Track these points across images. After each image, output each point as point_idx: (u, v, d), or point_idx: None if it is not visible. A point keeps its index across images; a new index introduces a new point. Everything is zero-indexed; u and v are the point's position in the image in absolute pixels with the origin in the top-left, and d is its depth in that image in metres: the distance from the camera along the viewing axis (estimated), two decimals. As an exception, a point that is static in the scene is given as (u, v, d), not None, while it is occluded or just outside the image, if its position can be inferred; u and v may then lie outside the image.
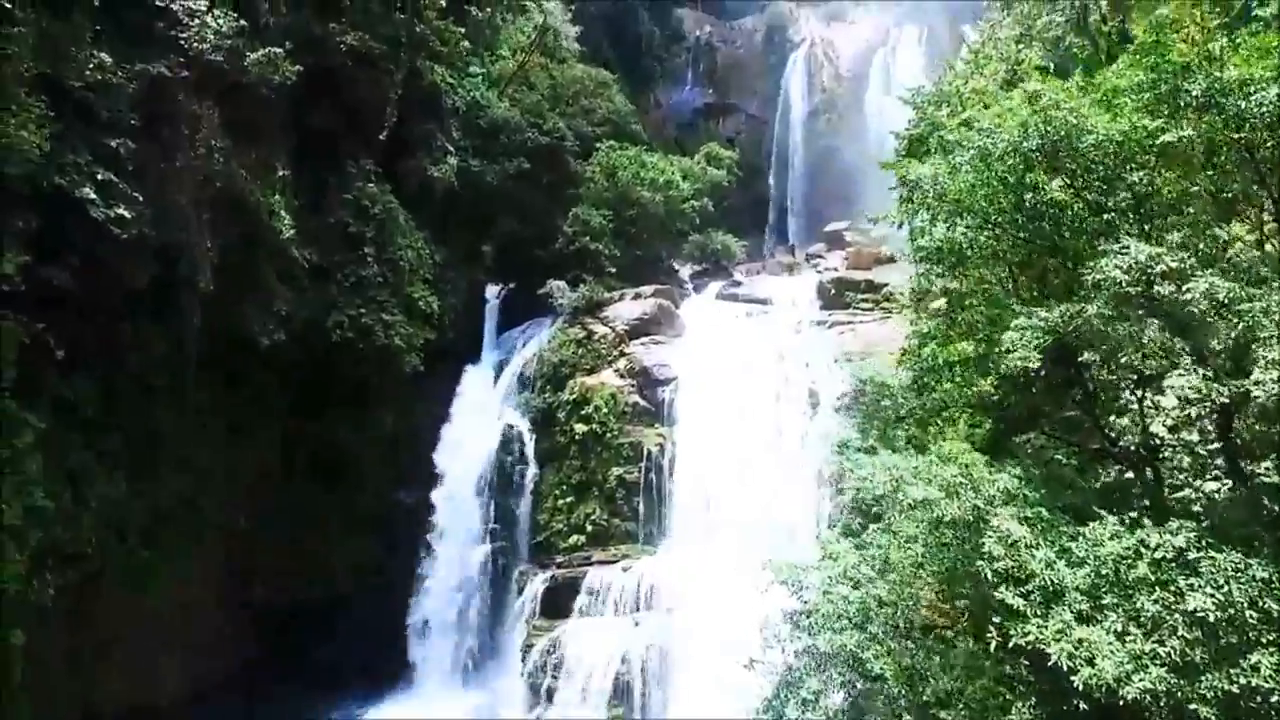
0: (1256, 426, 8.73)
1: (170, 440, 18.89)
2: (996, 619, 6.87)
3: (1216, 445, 10.17)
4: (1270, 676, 5.70)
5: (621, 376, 26.21)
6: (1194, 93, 7.20)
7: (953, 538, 7.37)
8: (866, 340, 27.38)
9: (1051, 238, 8.83)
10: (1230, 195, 7.77)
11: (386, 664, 24.37)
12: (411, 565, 25.91)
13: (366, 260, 21.92)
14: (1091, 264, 8.30)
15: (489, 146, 29.19)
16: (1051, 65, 16.93)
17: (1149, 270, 6.72)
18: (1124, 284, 6.88)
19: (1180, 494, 10.18)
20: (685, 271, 38.57)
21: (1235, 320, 6.37)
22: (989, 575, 6.94)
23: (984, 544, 6.99)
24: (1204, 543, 6.30)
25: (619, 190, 31.73)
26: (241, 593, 21.70)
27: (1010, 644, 6.49)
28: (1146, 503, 9.99)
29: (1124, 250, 6.95)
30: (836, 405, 24.60)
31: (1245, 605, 5.91)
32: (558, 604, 23.24)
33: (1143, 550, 6.40)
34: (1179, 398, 10.37)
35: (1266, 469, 7.84)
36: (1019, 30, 17.67)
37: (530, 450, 26.71)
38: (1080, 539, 6.80)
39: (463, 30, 25.44)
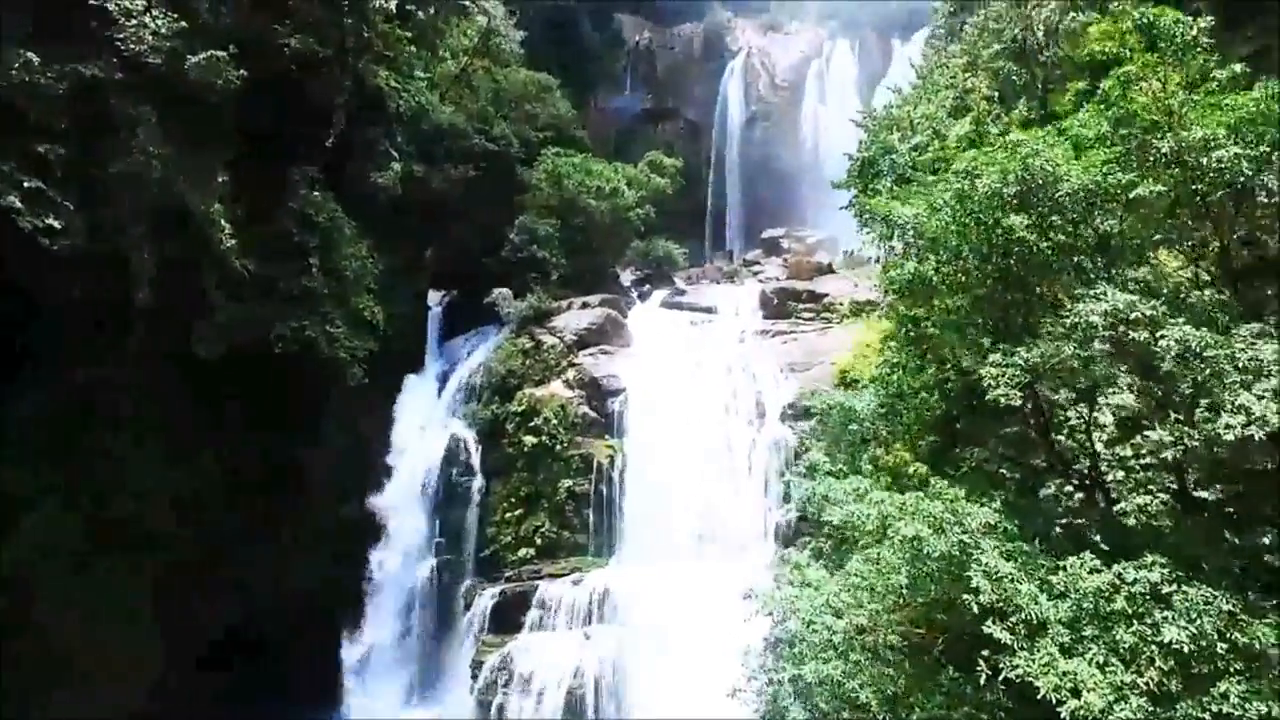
0: (1199, 450, 9.27)
1: (109, 459, 17.93)
2: (985, 651, 7.17)
3: (1152, 460, 10.87)
4: (1238, 704, 6.14)
5: (571, 388, 26.16)
6: (1163, 150, 7.70)
7: (937, 569, 7.66)
8: (810, 351, 28.07)
9: (1017, 273, 9.27)
10: (1191, 242, 8.34)
11: (333, 682, 23.75)
12: (357, 581, 25.32)
13: (311, 271, 21.23)
14: (1063, 302, 8.75)
15: (434, 152, 28.69)
16: (996, 94, 17.77)
17: (1125, 316, 7.15)
18: (1099, 328, 7.30)
19: (1119, 505, 10.83)
20: (626, 278, 38.78)
21: (1203, 366, 6.84)
22: (975, 608, 7.25)
23: (970, 577, 7.30)
24: (1175, 576, 6.74)
25: (565, 198, 31.61)
26: (185, 615, 20.75)
27: (1000, 677, 6.80)
28: (1094, 518, 10.63)
29: (1100, 296, 7.38)
30: (783, 415, 25.27)
31: (1216, 637, 6.35)
32: (507, 618, 23.05)
33: (1120, 585, 6.81)
34: (1114, 414, 11.04)
35: (1219, 496, 8.38)
36: (965, 59, 18.43)
37: (477, 462, 26.42)
38: (1061, 572, 7.18)
39: (410, 35, 24.91)
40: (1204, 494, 9.60)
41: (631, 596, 22.47)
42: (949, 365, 10.66)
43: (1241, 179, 7.48)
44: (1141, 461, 11.03)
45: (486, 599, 23.73)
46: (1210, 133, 7.41)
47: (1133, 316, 7.11)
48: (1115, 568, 6.98)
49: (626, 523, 24.10)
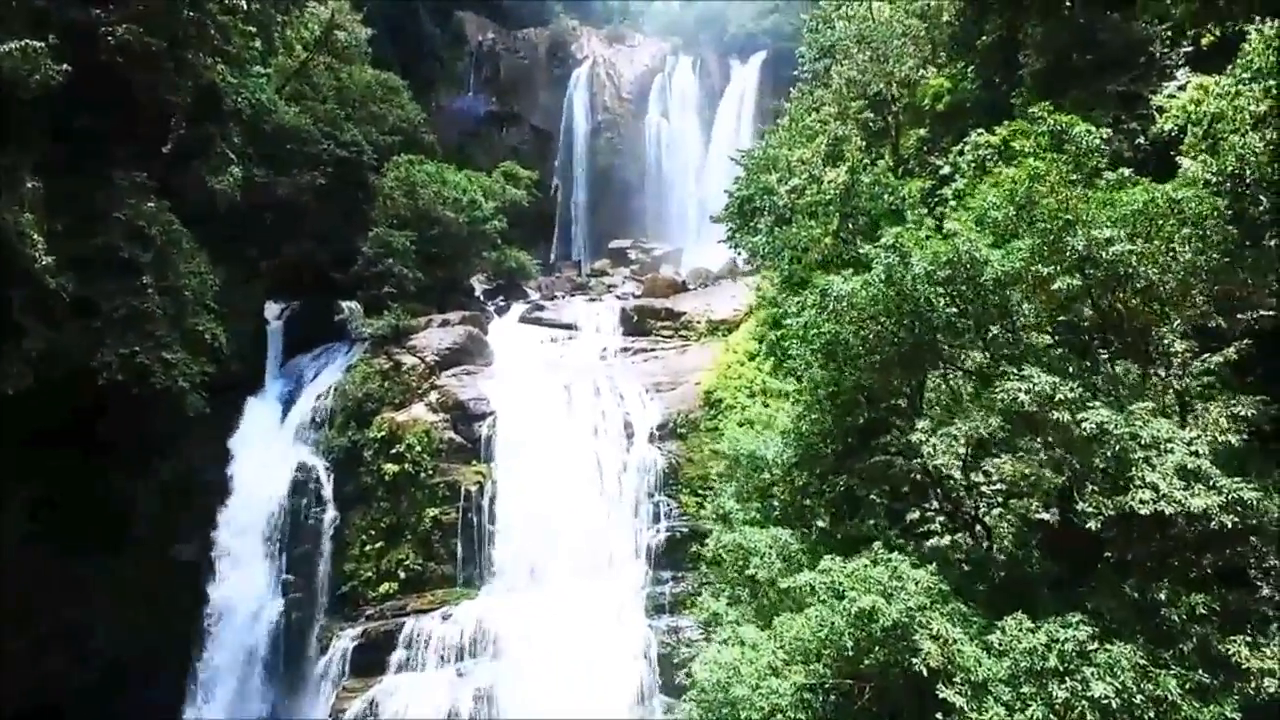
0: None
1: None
2: (924, 707, 7.63)
3: (998, 485, 12.07)
4: (1154, 749, 6.95)
5: (434, 411, 25.05)
6: (1077, 247, 8.57)
7: (883, 633, 8.04)
8: (672, 370, 28.66)
9: (929, 339, 9.95)
10: (1085, 323, 9.34)
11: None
12: (191, 630, 22.85)
13: (144, 290, 18.82)
14: (965, 362, 9.47)
15: (277, 156, 26.41)
16: (865, 143, 18.98)
17: (1050, 397, 7.88)
18: (1025, 405, 8.00)
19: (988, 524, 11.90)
20: (477, 287, 37.76)
21: (1114, 443, 7.68)
22: (923, 671, 7.70)
23: (917, 642, 7.74)
24: (1097, 633, 7.51)
25: (420, 209, 30.23)
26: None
27: (956, 740, 7.26)
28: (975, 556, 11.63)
29: (1027, 376, 8.10)
30: (651, 436, 25.60)
31: (1134, 690, 7.15)
32: (371, 660, 21.74)
33: (1052, 644, 7.49)
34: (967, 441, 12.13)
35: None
36: (836, 109, 19.57)
37: (329, 492, 24.70)
38: (999, 632, 7.78)
39: (254, 29, 22.75)
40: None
41: (505, 628, 21.91)
42: (856, 417, 11.28)
43: (1129, 270, 8.50)
44: (994, 486, 12.21)
45: (346, 640, 22.25)
46: (1114, 233, 8.35)
47: (1057, 398, 7.84)
48: (1045, 627, 7.66)
49: (497, 551, 23.41)
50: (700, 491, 24.22)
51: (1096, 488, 7.89)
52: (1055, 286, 8.60)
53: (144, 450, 21.20)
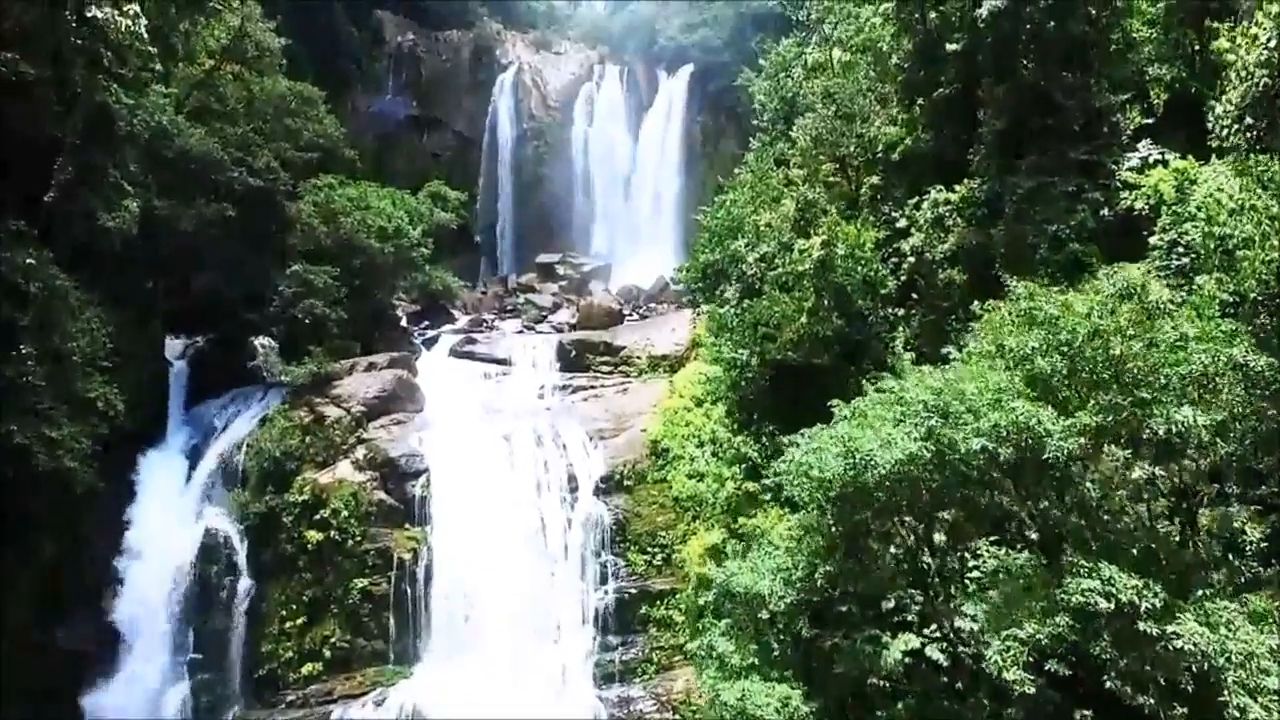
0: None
1: None
2: None
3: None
4: None
5: (362, 469, 22.98)
6: (1158, 431, 7.78)
7: None
8: (616, 412, 27.29)
9: (961, 490, 9.06)
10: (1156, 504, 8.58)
11: None
12: (79, 725, 20.21)
13: (21, 358, 16.20)
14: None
15: (180, 184, 23.61)
16: (834, 209, 18.12)
17: (1136, 608, 7.04)
18: (1100, 608, 7.15)
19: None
20: (401, 315, 35.48)
21: (1203, 660, 6.91)
22: None
23: None
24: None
25: (341, 238, 27.85)
26: None
27: None
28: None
29: (1102, 576, 7.23)
30: (596, 490, 24.20)
31: None
32: (295, 755, 19.73)
33: None
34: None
35: None
36: (805, 171, 18.65)
37: (243, 561, 22.35)
38: None
39: (154, 50, 20.10)
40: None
41: (444, 710, 20.21)
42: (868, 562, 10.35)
43: (1198, 442, 7.80)
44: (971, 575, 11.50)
45: (265, 732, 20.13)
46: (1190, 411, 7.60)
47: (1144, 606, 7.02)
48: None
49: (433, 624, 21.63)
50: (649, 549, 23.19)
51: (1184, 709, 7.12)
52: (1135, 475, 7.82)
53: (22, 533, 18.46)
